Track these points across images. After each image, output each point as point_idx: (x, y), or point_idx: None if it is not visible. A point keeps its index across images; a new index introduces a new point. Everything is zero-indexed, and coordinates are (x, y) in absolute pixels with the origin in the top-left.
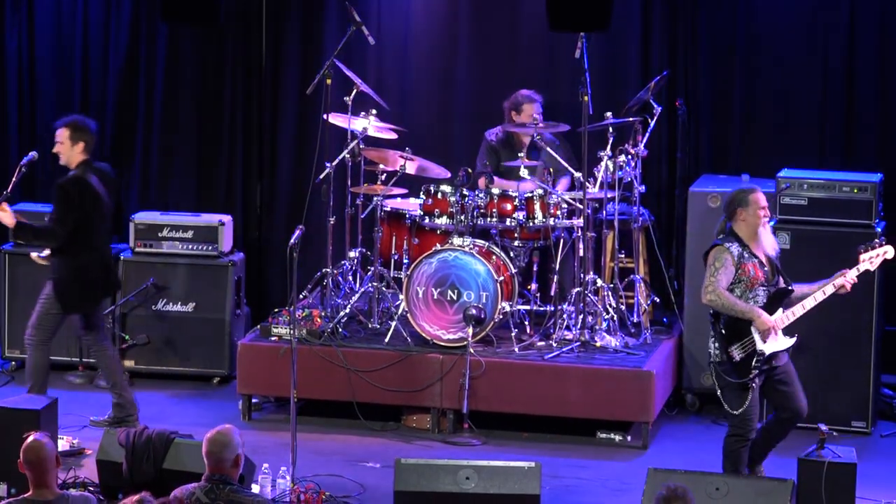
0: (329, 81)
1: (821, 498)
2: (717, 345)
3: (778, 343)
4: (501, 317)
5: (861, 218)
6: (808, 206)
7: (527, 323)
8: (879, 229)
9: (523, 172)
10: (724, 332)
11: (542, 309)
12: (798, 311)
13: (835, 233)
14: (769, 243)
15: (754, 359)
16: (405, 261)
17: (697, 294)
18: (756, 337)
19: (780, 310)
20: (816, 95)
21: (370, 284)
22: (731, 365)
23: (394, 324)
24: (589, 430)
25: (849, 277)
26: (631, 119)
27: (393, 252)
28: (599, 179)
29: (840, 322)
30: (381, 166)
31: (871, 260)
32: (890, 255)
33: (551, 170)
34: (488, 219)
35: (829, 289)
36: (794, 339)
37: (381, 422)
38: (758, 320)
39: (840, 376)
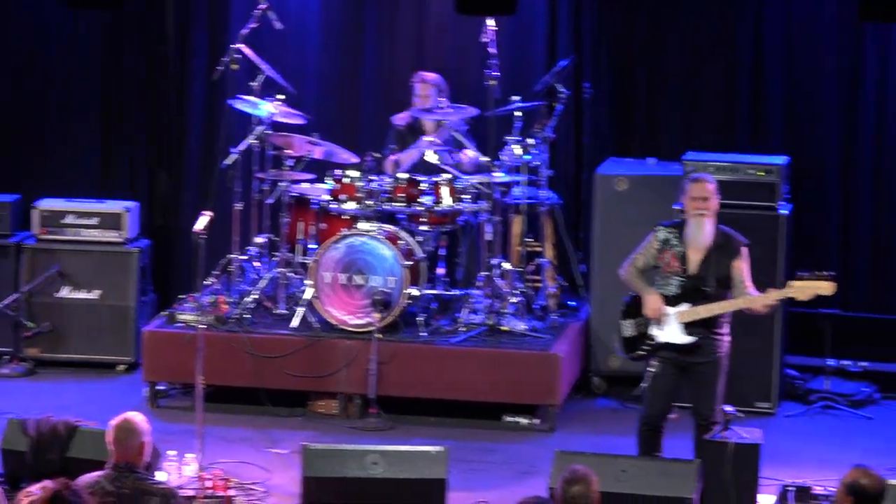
0: (235, 67)
1: (726, 478)
2: None
3: (672, 335)
4: (409, 301)
5: (766, 200)
6: None
7: (434, 307)
8: (784, 212)
9: (430, 156)
10: (624, 307)
11: (449, 293)
12: (702, 311)
13: (740, 215)
14: (693, 236)
15: (645, 341)
16: (312, 246)
17: (604, 277)
18: (652, 320)
19: (687, 304)
20: (722, 78)
21: (277, 270)
22: (621, 339)
23: (301, 309)
24: (496, 414)
25: (769, 300)
26: (538, 103)
27: (300, 237)
28: (506, 163)
29: None
30: (288, 152)
31: (804, 290)
32: (825, 293)
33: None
34: (395, 204)
35: (741, 303)
36: (691, 339)
37: (288, 408)
38: (645, 299)
39: (745, 358)
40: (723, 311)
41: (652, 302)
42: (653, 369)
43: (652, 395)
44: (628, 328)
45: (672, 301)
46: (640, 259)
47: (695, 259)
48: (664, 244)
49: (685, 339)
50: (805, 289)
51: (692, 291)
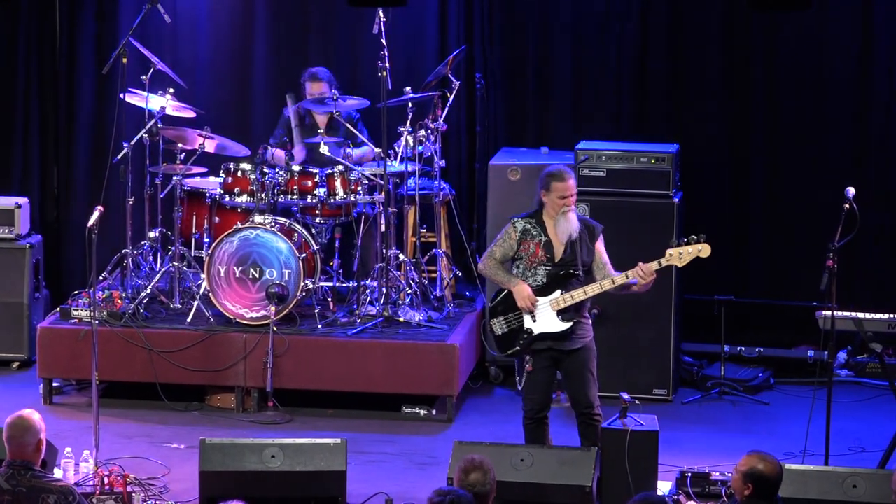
0: (125, 60)
1: (624, 465)
2: None
3: (548, 324)
4: (304, 294)
5: (659, 188)
6: (606, 178)
7: (330, 300)
8: (677, 199)
9: (323, 149)
10: (489, 304)
11: (345, 285)
12: (578, 294)
13: (634, 203)
14: (563, 230)
15: (520, 336)
16: (206, 240)
17: None
18: (524, 314)
19: (559, 291)
20: (612, 67)
21: (171, 264)
22: (494, 338)
23: (196, 303)
24: (394, 405)
25: (647, 269)
26: (430, 94)
27: (194, 231)
28: (400, 154)
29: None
30: (180, 145)
31: (679, 255)
32: (705, 255)
33: (351, 145)
34: (289, 196)
35: (620, 279)
36: (568, 325)
37: (185, 402)
38: (515, 290)
39: (641, 345)
40: (601, 292)
41: (522, 292)
42: (527, 366)
43: (530, 392)
44: (499, 326)
45: (541, 291)
46: (497, 251)
47: (559, 247)
48: (523, 235)
49: (562, 325)
50: (683, 254)
51: (561, 278)
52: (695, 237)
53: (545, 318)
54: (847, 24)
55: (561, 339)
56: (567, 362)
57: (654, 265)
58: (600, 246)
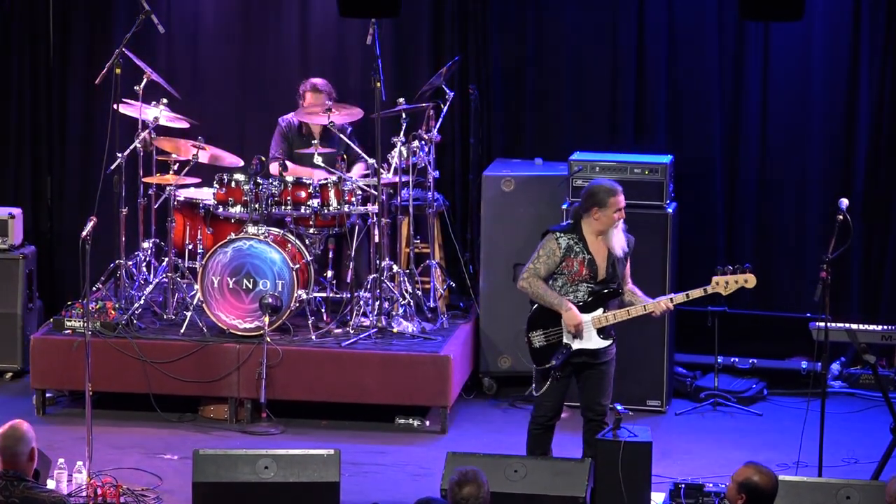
0: (119, 71)
1: (618, 477)
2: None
3: (588, 342)
4: (298, 305)
5: (653, 199)
6: None
7: (323, 310)
8: (670, 210)
9: (317, 159)
10: (530, 316)
11: (338, 296)
12: (621, 315)
13: (627, 214)
14: (618, 244)
15: (558, 350)
16: (200, 250)
17: (492, 278)
18: (564, 330)
19: (601, 310)
20: (606, 78)
21: (164, 275)
22: (531, 350)
23: (189, 314)
24: (388, 416)
25: (674, 301)
26: (424, 105)
27: (187, 242)
28: (393, 165)
29: None
30: (174, 156)
31: (725, 284)
32: (751, 285)
33: (345, 156)
34: (283, 207)
35: (651, 306)
36: (608, 343)
37: (179, 413)
38: (566, 314)
39: (635, 357)
40: (638, 314)
41: (574, 318)
42: (556, 374)
43: (548, 398)
44: (538, 340)
45: (582, 308)
46: (542, 268)
47: (602, 264)
48: (567, 251)
49: (602, 343)
50: (729, 283)
51: (603, 296)
52: (739, 266)
53: (586, 336)
54: (835, 35)
55: (595, 354)
56: (591, 371)
57: (698, 292)
58: (628, 259)
